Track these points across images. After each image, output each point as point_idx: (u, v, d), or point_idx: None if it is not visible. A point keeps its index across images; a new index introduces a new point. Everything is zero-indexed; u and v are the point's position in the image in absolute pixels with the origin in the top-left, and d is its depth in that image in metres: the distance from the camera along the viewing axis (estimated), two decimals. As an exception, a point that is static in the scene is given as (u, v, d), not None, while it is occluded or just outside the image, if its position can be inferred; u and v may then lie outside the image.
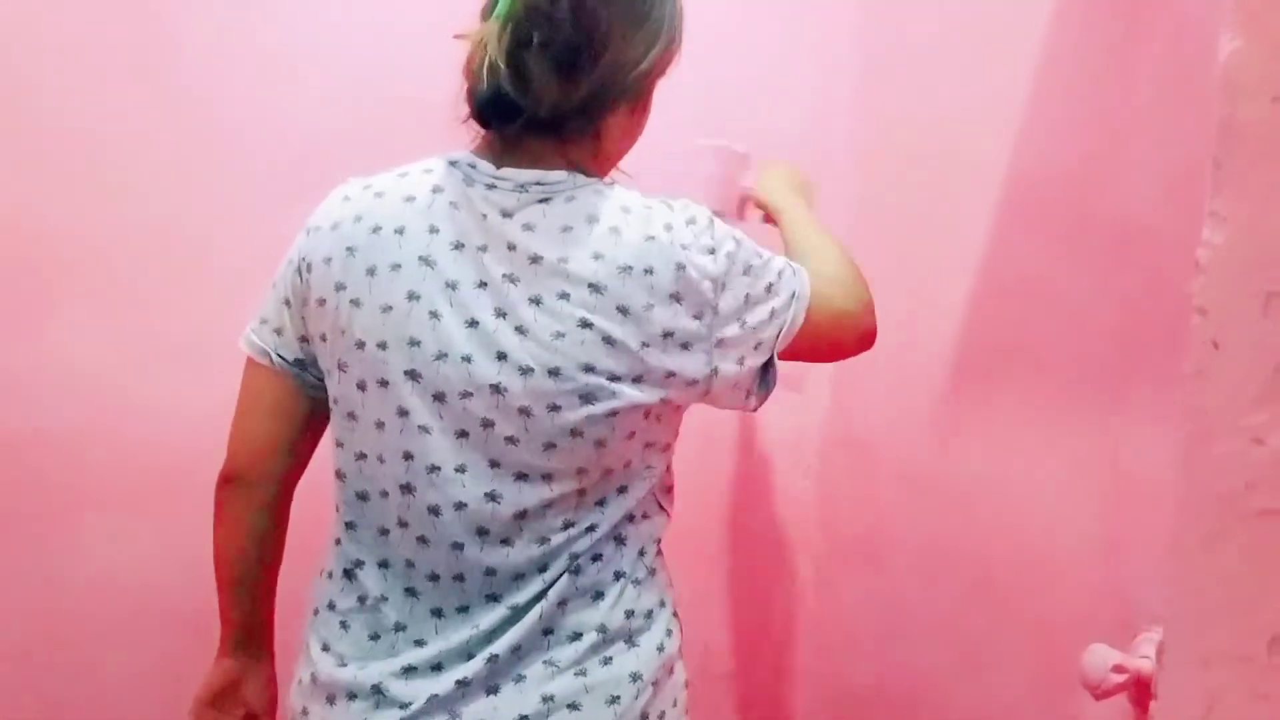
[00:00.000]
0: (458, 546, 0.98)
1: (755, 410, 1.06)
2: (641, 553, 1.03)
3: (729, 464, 1.77)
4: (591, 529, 0.99)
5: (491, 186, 0.96)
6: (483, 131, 0.98)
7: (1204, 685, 0.45)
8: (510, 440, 0.94)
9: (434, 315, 0.94)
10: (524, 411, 0.93)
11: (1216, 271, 0.44)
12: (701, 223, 0.97)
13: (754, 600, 1.81)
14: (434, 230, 0.95)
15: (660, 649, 1.01)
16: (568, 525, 0.98)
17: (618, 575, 1.01)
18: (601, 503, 0.99)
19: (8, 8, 1.29)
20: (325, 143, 1.39)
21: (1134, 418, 1.28)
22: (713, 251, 0.95)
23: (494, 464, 0.95)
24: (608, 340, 0.92)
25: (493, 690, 0.97)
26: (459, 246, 0.95)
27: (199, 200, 1.37)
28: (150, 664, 1.40)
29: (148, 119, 1.35)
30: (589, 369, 0.92)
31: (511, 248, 0.94)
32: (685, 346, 0.94)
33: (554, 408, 0.92)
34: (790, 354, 1.04)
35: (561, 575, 0.98)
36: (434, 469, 0.96)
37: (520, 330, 0.92)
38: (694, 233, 0.95)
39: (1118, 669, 1.19)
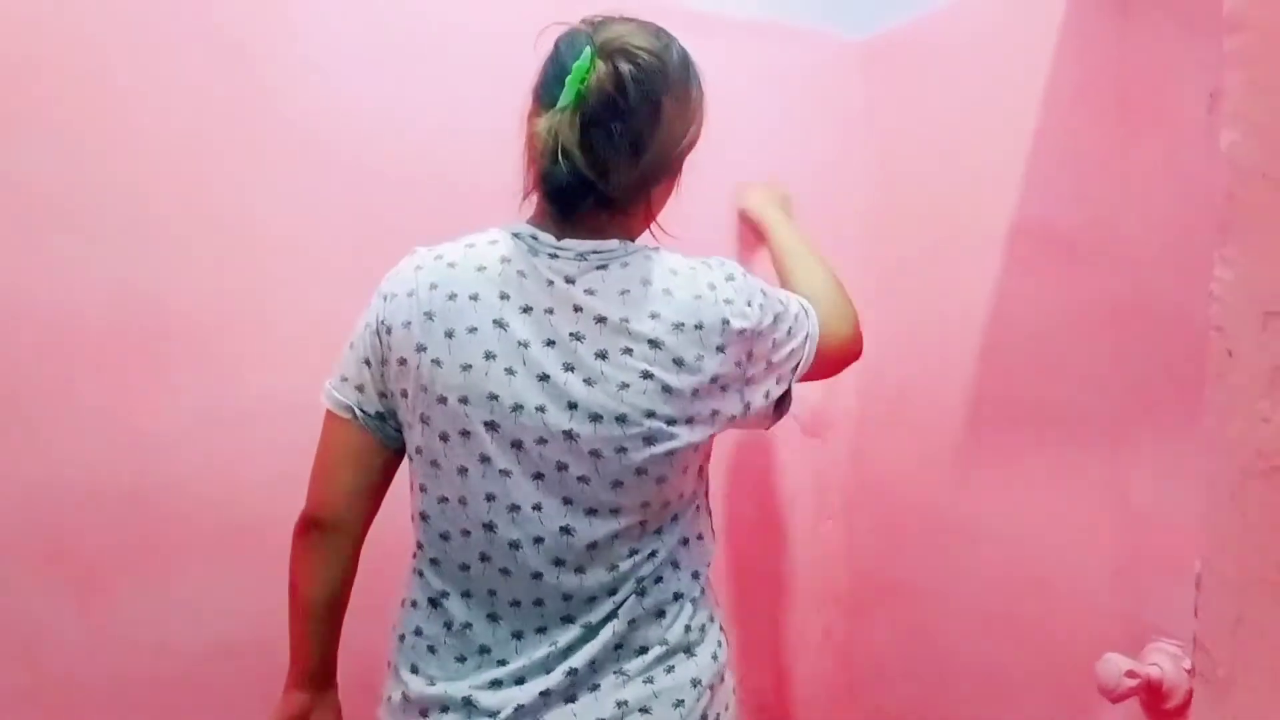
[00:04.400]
0: (537, 576, 1.09)
1: (768, 429, 1.24)
2: (695, 575, 1.17)
3: (756, 509, 1.88)
4: (653, 555, 1.12)
5: (554, 256, 1.09)
6: (538, 203, 1.12)
7: (1233, 604, 0.61)
8: (582, 480, 1.06)
9: (509, 372, 1.05)
10: (595, 454, 1.06)
11: (1228, 299, 0.61)
12: (738, 279, 1.13)
13: (785, 637, 1.90)
14: (504, 296, 1.07)
15: (714, 658, 1.15)
16: (633, 553, 1.11)
17: (677, 595, 1.14)
18: (659, 531, 1.13)
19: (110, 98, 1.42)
20: (377, 224, 1.53)
21: (1138, 456, 1.43)
22: (750, 304, 1.11)
23: (567, 501, 1.07)
24: (666, 389, 1.06)
25: (571, 699, 1.08)
26: (527, 310, 1.07)
27: (273, 272, 1.49)
28: (223, 705, 1.48)
29: (254, 195, 1.48)
30: (650, 414, 1.05)
31: (577, 309, 1.06)
32: (724, 389, 1.10)
33: (621, 450, 1.06)
34: (800, 380, 1.20)
35: (629, 597, 1.11)
36: (514, 508, 1.07)
37: (589, 382, 1.04)
38: (734, 289, 1.11)
39: (1130, 674, 1.34)
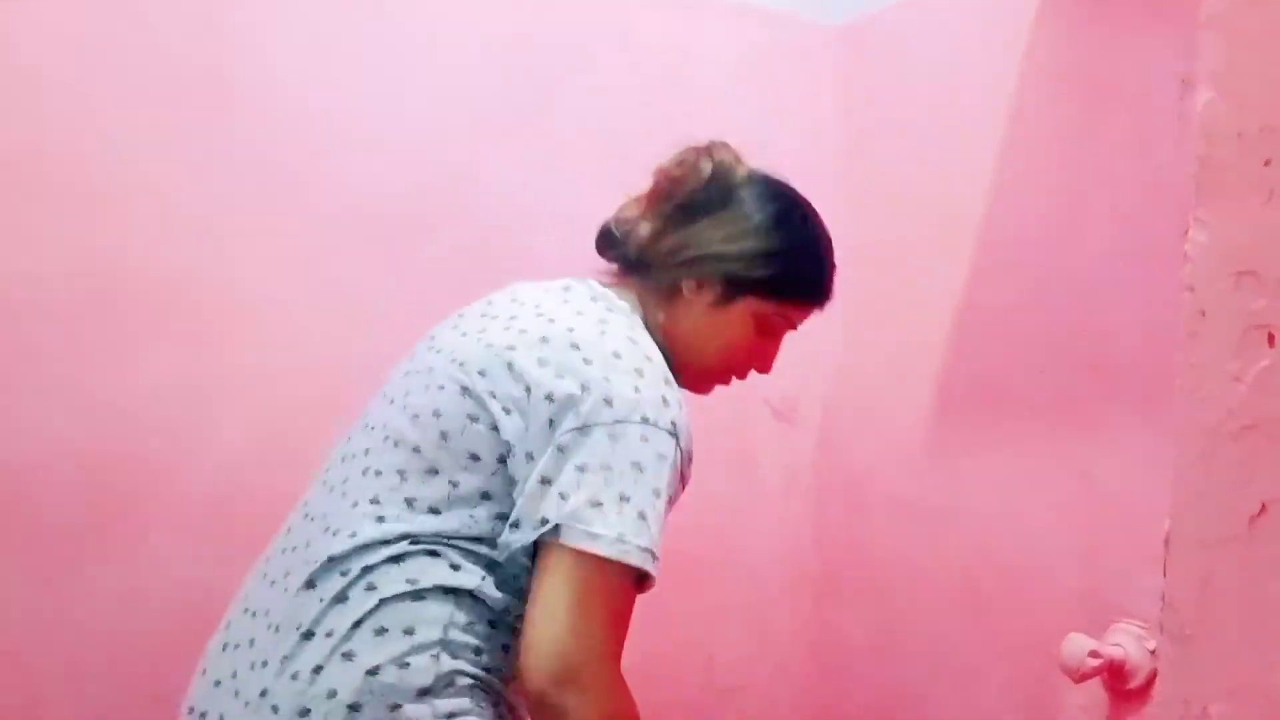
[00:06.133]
0: None
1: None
2: None
3: (726, 492, 1.89)
4: None
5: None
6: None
7: (1202, 562, 0.61)
8: None
9: None
10: None
11: (1200, 260, 0.61)
12: (662, 398, 1.01)
13: (755, 618, 1.92)
14: None
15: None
16: None
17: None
18: None
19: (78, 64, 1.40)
20: (345, 194, 1.53)
21: (1105, 440, 1.44)
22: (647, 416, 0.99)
23: None
24: None
25: None
26: None
27: (254, 248, 1.49)
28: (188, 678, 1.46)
29: (216, 172, 1.47)
30: None
31: None
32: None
33: None
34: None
35: None
36: None
37: None
38: (643, 387, 1.01)
39: (1093, 654, 1.35)
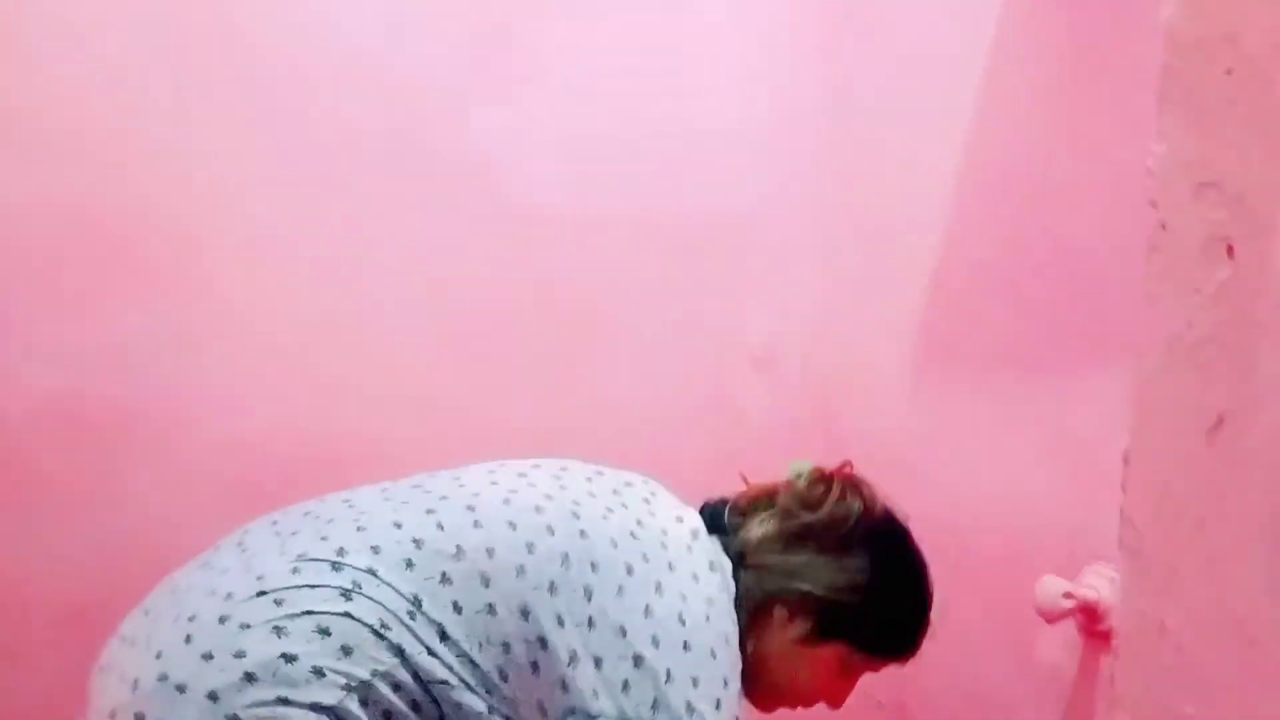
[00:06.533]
0: None
1: None
2: None
3: (707, 442, 1.86)
4: None
5: None
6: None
7: (1160, 476, 0.61)
8: None
9: None
10: None
11: (1162, 173, 0.61)
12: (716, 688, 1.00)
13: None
14: None
15: None
16: None
17: None
18: None
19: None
20: (324, 136, 1.51)
21: (1081, 385, 1.44)
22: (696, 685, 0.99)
23: None
24: None
25: None
26: None
27: (242, 186, 1.47)
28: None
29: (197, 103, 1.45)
30: None
31: None
32: None
33: None
34: None
35: None
36: None
37: None
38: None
39: (1067, 596, 1.36)
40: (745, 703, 1.12)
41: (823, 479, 1.15)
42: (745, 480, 1.20)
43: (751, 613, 1.09)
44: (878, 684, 1.34)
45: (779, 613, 1.09)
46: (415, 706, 0.92)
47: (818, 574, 1.09)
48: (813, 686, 1.15)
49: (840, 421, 1.87)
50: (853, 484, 1.16)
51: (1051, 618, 1.37)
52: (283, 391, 1.51)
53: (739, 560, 1.10)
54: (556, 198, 1.67)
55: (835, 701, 1.18)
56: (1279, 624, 0.55)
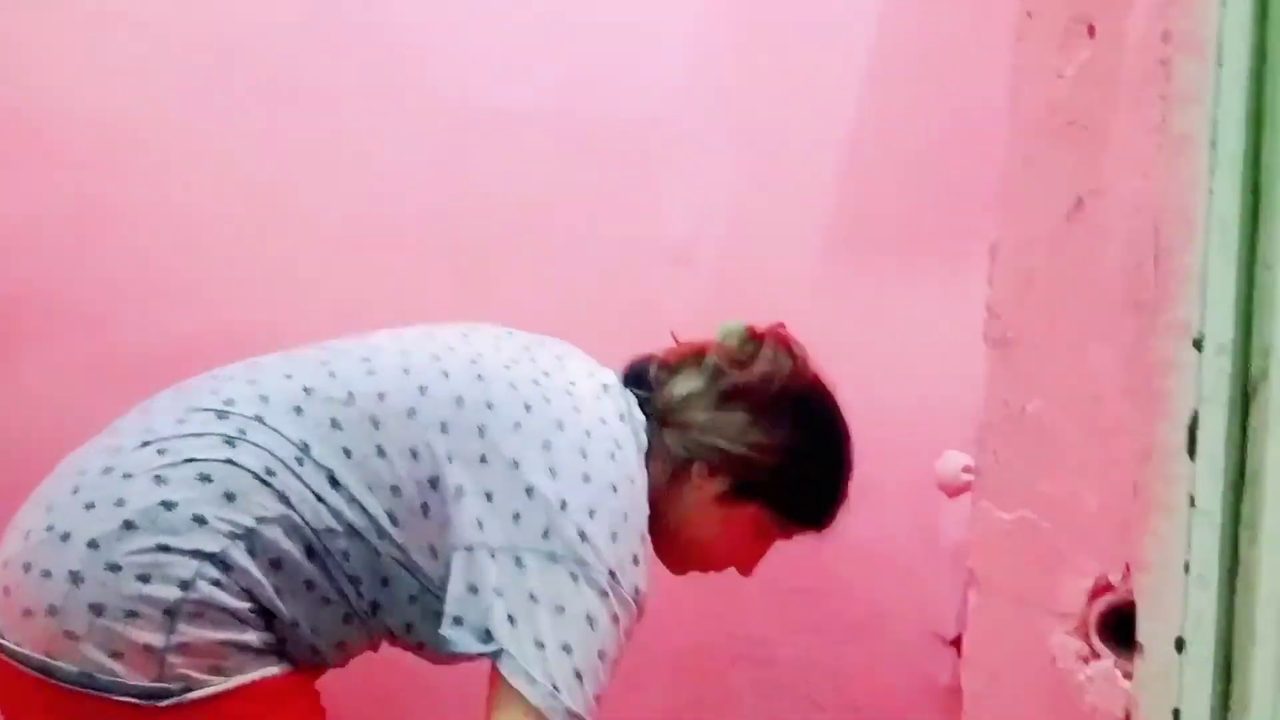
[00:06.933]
0: None
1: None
2: None
3: (626, 341, 1.85)
4: None
5: None
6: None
7: (1024, 264, 0.62)
8: None
9: None
10: None
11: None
12: (634, 556, 0.98)
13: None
14: None
15: None
16: None
17: None
18: None
19: None
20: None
21: (985, 263, 1.46)
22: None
23: None
24: None
25: None
26: None
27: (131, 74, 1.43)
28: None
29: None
30: None
31: None
32: None
33: None
34: None
35: None
36: None
37: None
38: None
39: (967, 469, 1.38)
40: (659, 563, 1.11)
41: (754, 337, 1.12)
42: (675, 339, 1.17)
43: (672, 474, 1.07)
44: (788, 562, 1.36)
45: (698, 470, 1.07)
46: (309, 553, 0.91)
47: (742, 433, 1.07)
48: (726, 548, 1.13)
49: (761, 313, 1.88)
50: (784, 344, 1.13)
51: (952, 491, 1.40)
52: (200, 287, 1.49)
53: (662, 418, 1.08)
54: (472, 95, 1.64)
55: (746, 567, 1.17)
56: (1133, 395, 0.56)
